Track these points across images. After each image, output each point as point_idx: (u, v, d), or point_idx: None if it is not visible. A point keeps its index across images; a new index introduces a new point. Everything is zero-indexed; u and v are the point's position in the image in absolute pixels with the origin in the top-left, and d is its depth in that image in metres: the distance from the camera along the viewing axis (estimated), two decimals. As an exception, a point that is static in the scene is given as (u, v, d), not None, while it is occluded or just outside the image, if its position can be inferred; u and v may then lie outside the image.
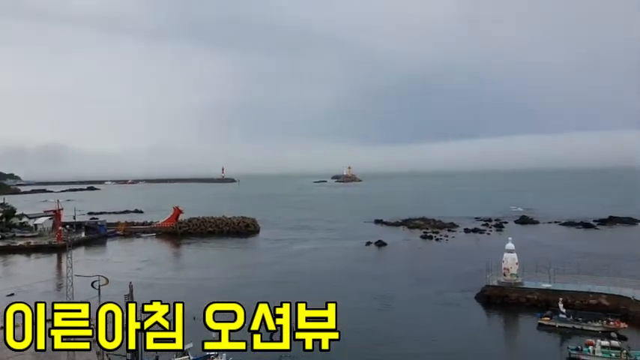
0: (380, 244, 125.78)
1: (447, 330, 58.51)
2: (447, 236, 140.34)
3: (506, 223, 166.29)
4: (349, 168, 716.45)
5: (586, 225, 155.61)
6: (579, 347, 49.43)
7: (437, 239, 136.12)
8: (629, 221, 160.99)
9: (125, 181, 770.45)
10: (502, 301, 69.27)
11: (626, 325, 56.42)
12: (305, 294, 76.35)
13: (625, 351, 46.30)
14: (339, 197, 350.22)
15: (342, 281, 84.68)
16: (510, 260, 72.02)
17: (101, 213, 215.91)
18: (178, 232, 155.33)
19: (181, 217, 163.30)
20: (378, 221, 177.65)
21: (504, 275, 72.02)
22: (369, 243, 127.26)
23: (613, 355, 47.06)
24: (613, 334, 52.62)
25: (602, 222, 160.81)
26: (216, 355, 43.05)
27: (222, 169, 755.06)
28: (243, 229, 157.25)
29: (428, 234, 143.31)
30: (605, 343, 48.79)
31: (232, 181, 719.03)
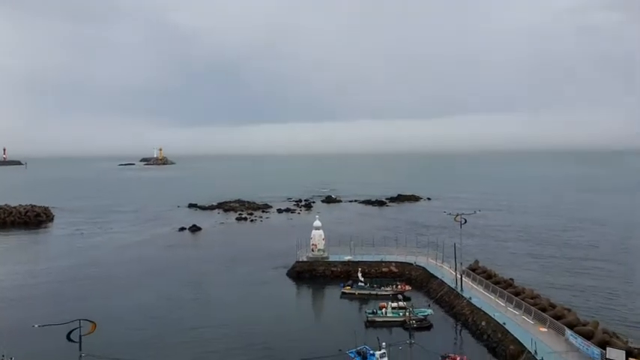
0: (194, 229, 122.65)
1: (259, 308, 60.09)
2: (261, 217, 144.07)
3: (314, 202, 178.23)
4: (160, 150, 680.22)
5: (380, 202, 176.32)
6: (374, 310, 55.93)
7: (252, 220, 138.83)
8: (414, 198, 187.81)
9: None
10: (311, 274, 74.24)
11: (410, 288, 65.84)
12: (100, 295, 70.50)
13: (409, 310, 53.89)
14: (148, 181, 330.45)
15: (150, 271, 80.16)
16: (318, 236, 77.44)
17: None
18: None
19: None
20: (192, 205, 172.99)
21: (312, 251, 77.16)
22: (182, 229, 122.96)
23: (400, 314, 54.38)
24: (400, 297, 60.80)
25: (393, 199, 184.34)
26: None
27: (4, 150, 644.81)
28: (32, 219, 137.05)
29: (243, 216, 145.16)
30: (395, 304, 56.21)
31: (18, 163, 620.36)
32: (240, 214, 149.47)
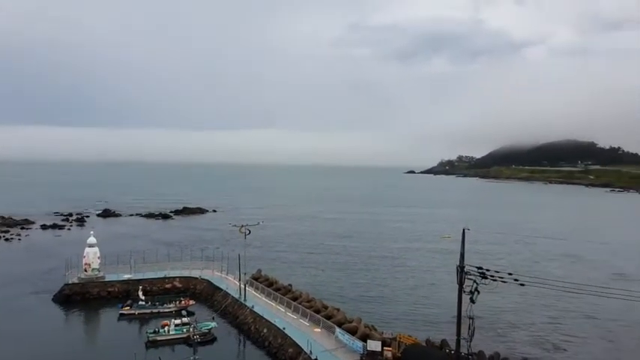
0: None
1: (17, 343, 51.23)
2: (19, 235, 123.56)
3: (88, 217, 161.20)
4: None
5: (164, 216, 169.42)
6: (156, 329, 53.34)
7: (7, 239, 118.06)
8: (200, 210, 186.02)
9: None
10: (83, 297, 66.76)
11: (194, 302, 64.84)
12: None
13: (193, 325, 53.10)
14: None
15: None
16: (92, 255, 70.19)
17: None
18: None
19: None
20: None
21: (85, 271, 69.58)
22: None
23: (184, 330, 53.07)
24: (184, 312, 59.43)
25: (178, 212, 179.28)
26: None
27: None
28: None
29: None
30: (178, 321, 54.59)
31: None
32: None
